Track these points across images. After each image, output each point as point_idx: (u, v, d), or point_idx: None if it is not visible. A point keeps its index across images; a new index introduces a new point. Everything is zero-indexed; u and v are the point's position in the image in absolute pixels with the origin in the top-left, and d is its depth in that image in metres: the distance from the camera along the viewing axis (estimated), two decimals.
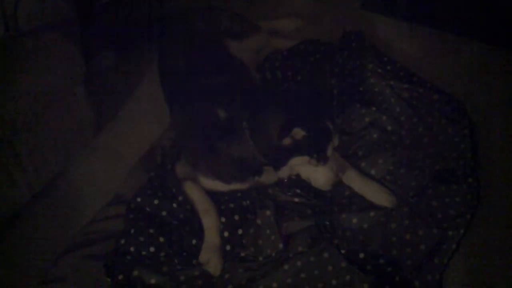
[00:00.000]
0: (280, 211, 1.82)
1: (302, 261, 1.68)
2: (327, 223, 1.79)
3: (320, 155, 1.70)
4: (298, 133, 1.65)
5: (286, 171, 1.81)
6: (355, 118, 2.08)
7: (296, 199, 1.88)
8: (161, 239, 1.76)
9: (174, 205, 1.84)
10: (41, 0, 1.94)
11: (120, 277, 1.68)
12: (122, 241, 1.76)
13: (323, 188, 1.80)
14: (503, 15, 2.53)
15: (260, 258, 1.74)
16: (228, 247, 1.76)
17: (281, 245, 1.73)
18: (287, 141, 1.66)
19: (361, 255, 1.71)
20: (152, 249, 1.74)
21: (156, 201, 1.85)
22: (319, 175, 1.77)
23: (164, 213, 1.83)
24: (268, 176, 1.85)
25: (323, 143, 1.70)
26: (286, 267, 1.67)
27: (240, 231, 1.79)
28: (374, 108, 2.09)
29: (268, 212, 1.79)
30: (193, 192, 1.86)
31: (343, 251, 1.71)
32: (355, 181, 1.86)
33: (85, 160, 2.06)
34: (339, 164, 1.84)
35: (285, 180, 1.92)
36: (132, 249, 1.74)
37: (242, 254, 1.76)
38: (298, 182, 1.91)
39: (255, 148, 1.72)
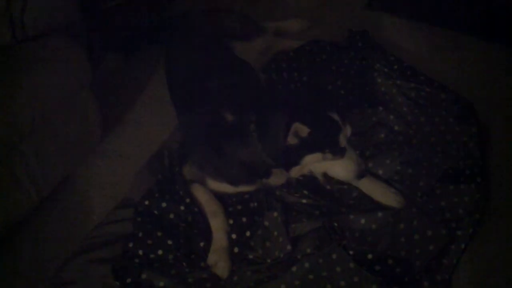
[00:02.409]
0: (287, 213, 1.82)
1: (310, 263, 1.68)
2: (335, 224, 1.77)
3: (333, 148, 1.68)
4: (301, 130, 1.62)
5: (298, 171, 1.79)
6: (361, 118, 2.08)
7: (304, 200, 1.87)
8: (169, 242, 1.76)
9: (182, 207, 1.85)
10: (48, 5, 1.95)
11: (129, 280, 1.69)
12: (130, 244, 1.77)
13: (348, 180, 1.77)
14: (507, 13, 2.51)
15: (268, 260, 1.73)
16: (236, 249, 1.76)
17: (289, 247, 1.73)
18: (293, 140, 1.64)
19: (370, 256, 1.70)
20: (160, 252, 1.74)
21: (163, 204, 1.85)
22: (338, 168, 1.74)
23: (171, 215, 1.84)
24: (276, 178, 1.85)
25: (333, 136, 1.68)
26: (294, 269, 1.67)
27: (248, 233, 1.78)
28: (381, 108, 2.08)
29: (275, 214, 1.79)
30: (200, 194, 1.86)
31: (351, 252, 1.70)
32: (362, 181, 1.85)
33: (93, 163, 2.07)
34: None
35: (293, 181, 1.91)
36: (140, 252, 1.75)
37: (250, 256, 1.75)
38: (305, 183, 1.91)
39: (263, 151, 1.71)
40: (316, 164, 1.73)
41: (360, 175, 1.75)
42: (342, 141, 1.69)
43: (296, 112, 1.66)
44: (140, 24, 2.55)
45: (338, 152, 1.69)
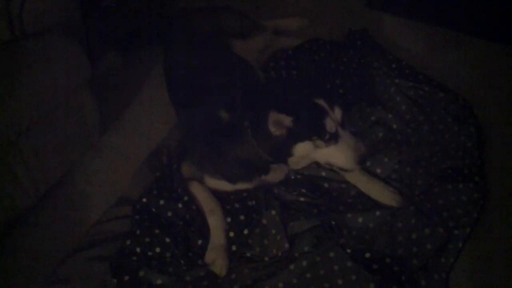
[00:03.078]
0: (285, 211, 1.82)
1: (308, 261, 1.68)
2: (333, 222, 1.78)
3: (321, 135, 1.63)
4: (282, 118, 1.59)
5: (298, 163, 1.76)
6: (360, 116, 2.08)
7: (302, 199, 1.87)
8: (167, 240, 1.76)
9: (180, 205, 1.85)
10: (47, 2, 1.95)
11: (126, 278, 1.69)
12: (128, 242, 1.77)
13: (349, 168, 1.70)
14: (507, 12, 2.51)
15: (266, 258, 1.74)
16: (234, 247, 1.76)
17: (287, 245, 1.73)
18: (277, 131, 1.62)
19: (367, 255, 1.71)
20: (158, 249, 1.75)
21: (161, 202, 1.85)
22: (336, 156, 1.67)
23: (169, 213, 1.84)
24: (274, 174, 1.85)
25: (318, 122, 1.62)
26: (292, 267, 1.67)
27: (246, 231, 1.78)
28: (379, 107, 2.09)
29: (273, 212, 1.79)
30: (198, 192, 1.87)
31: (349, 251, 1.71)
32: (360, 180, 1.85)
33: (91, 161, 2.06)
34: None
35: (292, 177, 1.91)
36: (138, 250, 1.75)
37: (248, 254, 1.76)
38: (303, 182, 1.91)
39: (258, 147, 1.70)
40: (316, 154, 1.70)
41: (361, 161, 1.68)
42: (331, 126, 1.63)
43: (276, 101, 1.63)
44: (139, 22, 2.55)
45: (329, 138, 1.64)
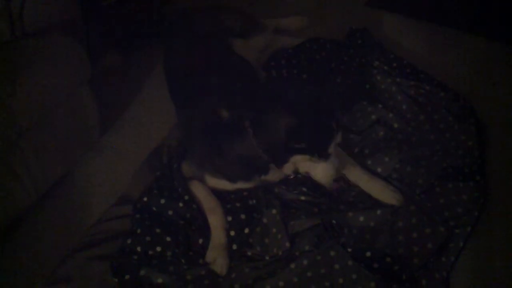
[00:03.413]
0: (286, 210, 1.82)
1: (309, 260, 1.68)
2: (334, 221, 1.77)
3: (321, 153, 1.68)
4: (295, 126, 1.62)
5: (289, 168, 1.78)
6: (361, 115, 2.08)
7: (302, 198, 1.87)
8: (168, 239, 1.76)
9: (181, 204, 1.85)
10: (47, 2, 1.95)
11: (127, 277, 1.69)
12: (129, 241, 1.77)
13: (323, 183, 1.77)
14: (507, 11, 2.51)
15: (267, 257, 1.74)
16: (234, 246, 1.76)
17: (287, 244, 1.73)
18: (284, 137, 1.64)
19: (368, 254, 1.70)
20: (158, 248, 1.75)
21: (162, 201, 1.85)
22: (319, 170, 1.74)
23: (170, 212, 1.84)
24: (274, 174, 1.85)
25: (325, 142, 1.67)
26: (292, 266, 1.67)
27: (246, 230, 1.78)
28: (380, 106, 2.08)
29: (274, 211, 1.79)
30: (199, 191, 1.86)
31: (349, 250, 1.70)
32: (361, 179, 1.85)
33: (91, 160, 2.07)
34: (342, 159, 1.82)
35: (291, 177, 1.91)
36: (138, 249, 1.75)
37: (249, 253, 1.76)
38: (304, 181, 1.90)
39: (258, 147, 1.71)
40: (302, 163, 1.73)
41: (336, 179, 1.76)
42: (331, 149, 1.70)
43: (289, 107, 1.64)
44: (139, 21, 2.55)
45: (323, 156, 1.69)
